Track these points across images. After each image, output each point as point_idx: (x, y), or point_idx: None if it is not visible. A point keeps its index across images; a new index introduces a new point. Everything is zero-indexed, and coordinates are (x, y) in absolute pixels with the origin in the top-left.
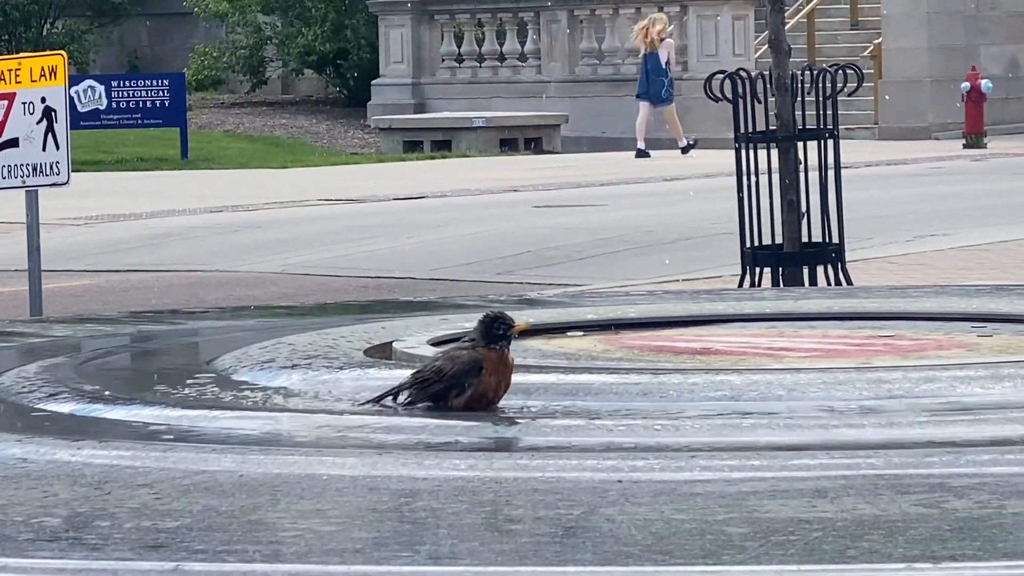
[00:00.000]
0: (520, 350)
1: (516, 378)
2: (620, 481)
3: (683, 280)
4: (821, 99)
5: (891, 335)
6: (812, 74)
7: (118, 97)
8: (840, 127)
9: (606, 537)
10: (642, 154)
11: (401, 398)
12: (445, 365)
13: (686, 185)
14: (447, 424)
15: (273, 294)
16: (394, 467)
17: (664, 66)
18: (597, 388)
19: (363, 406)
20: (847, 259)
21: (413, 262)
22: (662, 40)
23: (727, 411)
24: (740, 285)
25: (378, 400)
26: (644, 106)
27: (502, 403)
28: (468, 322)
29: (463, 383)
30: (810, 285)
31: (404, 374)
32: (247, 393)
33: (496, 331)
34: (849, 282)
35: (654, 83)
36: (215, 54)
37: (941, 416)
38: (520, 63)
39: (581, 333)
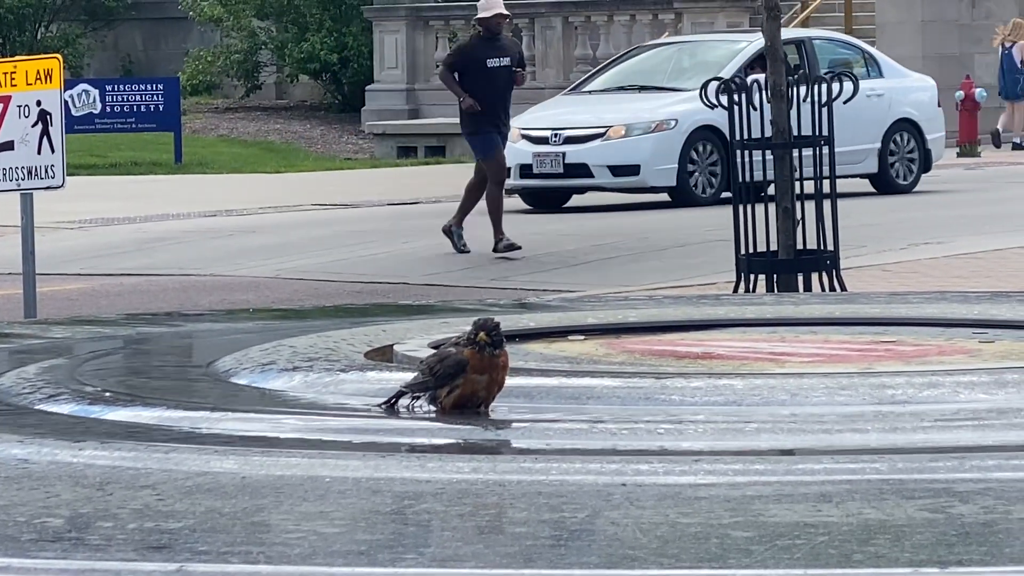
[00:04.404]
0: (522, 354)
1: (518, 381)
2: (624, 485)
3: (678, 286)
4: (816, 107)
5: (893, 340)
6: (808, 81)
7: (112, 101)
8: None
9: (611, 540)
10: (1017, 147)
11: (403, 401)
12: (435, 365)
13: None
14: (450, 427)
15: (267, 298)
16: (397, 469)
17: (1019, 65)
18: (600, 392)
19: (373, 409)
20: (841, 266)
21: (407, 267)
22: (1013, 43)
23: (730, 415)
24: (735, 291)
25: (388, 404)
26: (1009, 104)
27: (504, 406)
28: (468, 326)
29: (450, 383)
30: (804, 292)
31: (407, 377)
32: (248, 395)
33: (472, 335)
34: (843, 289)
35: (1009, 80)
36: (209, 59)
37: (945, 421)
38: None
39: (582, 337)
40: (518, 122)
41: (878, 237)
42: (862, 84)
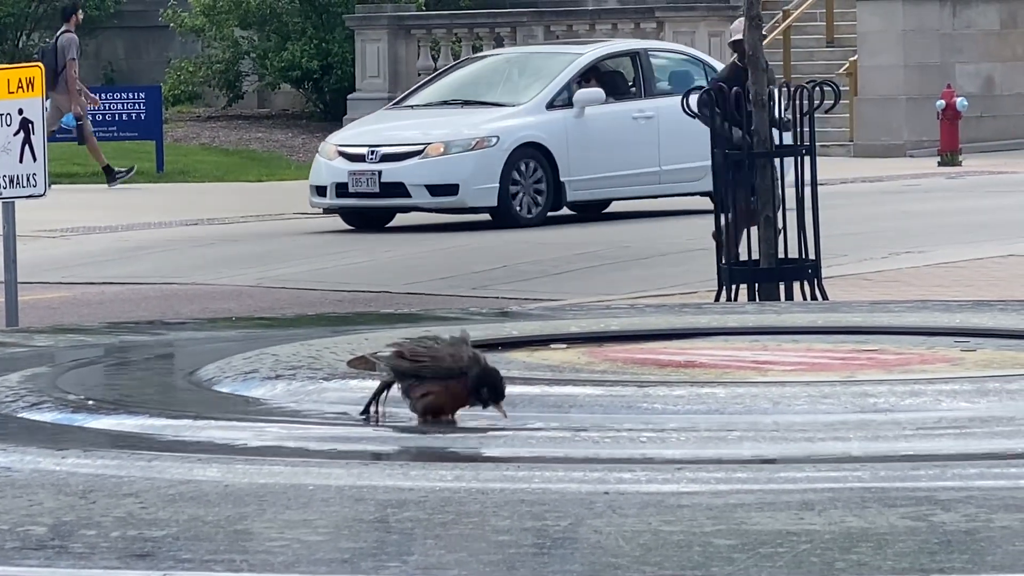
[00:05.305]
0: (504, 362)
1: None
2: (607, 493)
3: (659, 295)
4: (798, 116)
5: (875, 349)
6: (789, 91)
7: (94, 110)
8: (816, 144)
9: (594, 548)
10: None
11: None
12: (427, 360)
13: (661, 200)
14: (432, 435)
15: (249, 307)
16: (380, 477)
17: None
18: (582, 400)
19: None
20: (822, 275)
21: (389, 276)
22: None
23: (713, 424)
24: (716, 300)
25: (367, 409)
26: None
27: (487, 413)
28: (450, 334)
29: (428, 387)
30: (786, 301)
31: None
32: (231, 403)
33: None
34: (825, 298)
35: None
36: (191, 68)
37: (927, 430)
38: None
39: (564, 345)
40: (335, 138)
41: (859, 246)
42: None
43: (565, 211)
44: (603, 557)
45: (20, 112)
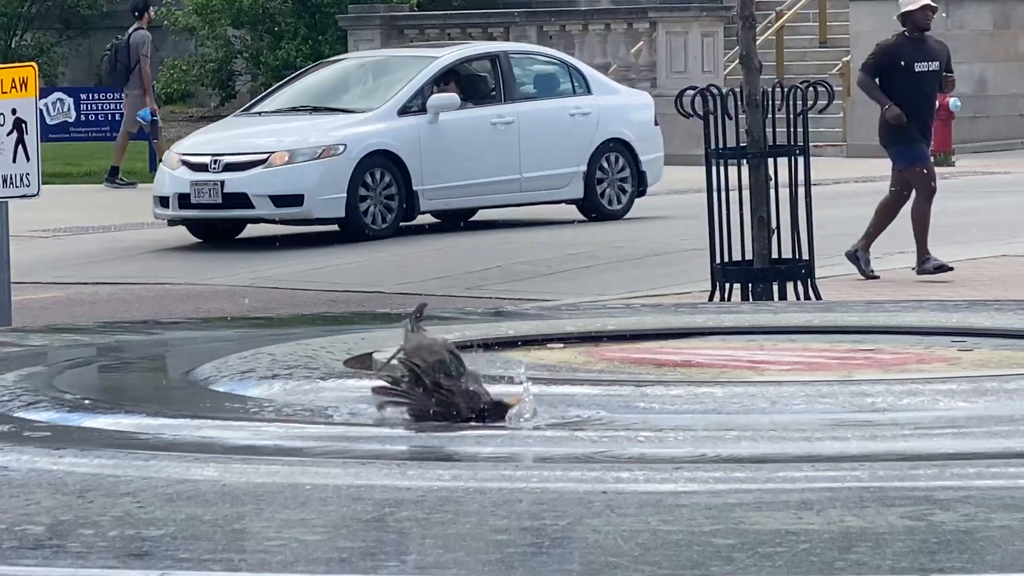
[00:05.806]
0: (501, 362)
1: (499, 389)
2: (605, 492)
3: (654, 295)
4: (791, 116)
5: (872, 349)
6: (783, 91)
7: (87, 110)
8: (809, 144)
9: (592, 548)
10: None
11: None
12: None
13: (655, 201)
14: (430, 434)
15: (243, 307)
16: (377, 477)
17: None
18: (580, 400)
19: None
20: (816, 276)
21: (382, 276)
22: None
23: (710, 423)
24: (710, 300)
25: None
26: None
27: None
28: (447, 334)
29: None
30: (780, 301)
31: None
32: (228, 403)
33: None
34: (819, 298)
35: None
36: (184, 67)
37: (925, 429)
38: None
39: (561, 345)
40: (179, 147)
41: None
42: (564, 102)
43: (426, 219)
44: (601, 556)
45: (13, 112)
